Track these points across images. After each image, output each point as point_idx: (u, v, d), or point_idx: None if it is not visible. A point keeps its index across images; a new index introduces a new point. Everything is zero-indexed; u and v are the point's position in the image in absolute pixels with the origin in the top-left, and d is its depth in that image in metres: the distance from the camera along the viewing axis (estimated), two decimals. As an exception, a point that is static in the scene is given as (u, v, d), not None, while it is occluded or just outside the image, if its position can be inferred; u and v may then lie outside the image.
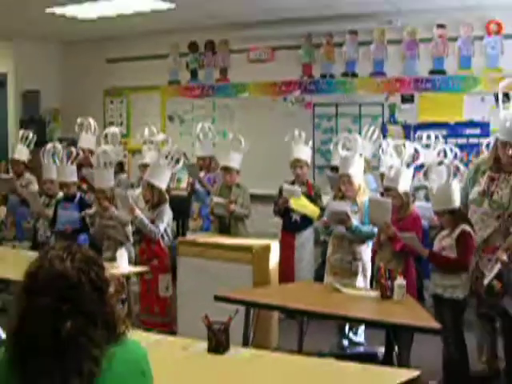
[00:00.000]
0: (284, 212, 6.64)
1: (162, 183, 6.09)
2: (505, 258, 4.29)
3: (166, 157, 6.13)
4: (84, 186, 7.12)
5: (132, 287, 5.68)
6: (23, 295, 1.81)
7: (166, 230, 6.09)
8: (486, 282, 4.42)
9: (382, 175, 6.00)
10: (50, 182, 6.86)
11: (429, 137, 6.26)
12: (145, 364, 1.94)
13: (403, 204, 5.20)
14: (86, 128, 7.64)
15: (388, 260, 5.14)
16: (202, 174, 7.21)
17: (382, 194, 5.77)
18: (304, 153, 6.71)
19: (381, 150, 6.09)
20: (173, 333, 5.67)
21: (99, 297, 1.85)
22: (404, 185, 5.20)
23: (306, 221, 6.64)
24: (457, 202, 4.84)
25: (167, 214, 6.09)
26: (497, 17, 7.42)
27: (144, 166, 6.92)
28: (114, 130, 7.61)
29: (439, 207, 4.88)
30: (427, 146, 6.05)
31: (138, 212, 5.91)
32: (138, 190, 6.65)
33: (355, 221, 5.40)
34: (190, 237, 6.74)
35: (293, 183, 6.72)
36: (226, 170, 6.70)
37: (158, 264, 6.05)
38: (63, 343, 1.74)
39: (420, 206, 5.57)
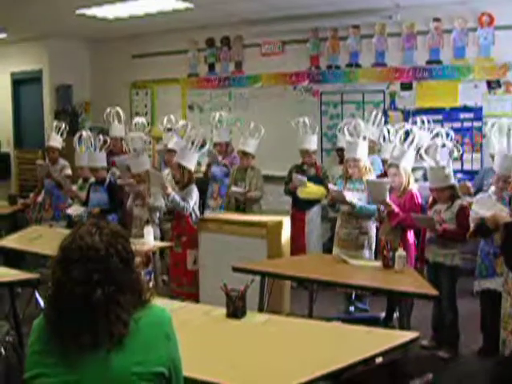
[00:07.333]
0: (294, 193, 6.65)
1: (191, 164, 6.07)
2: None
3: (193, 142, 6.12)
4: (114, 170, 7.17)
5: (157, 261, 5.72)
6: (58, 266, 1.83)
7: (193, 208, 6.08)
8: None
9: (384, 161, 5.98)
10: (80, 168, 6.92)
11: (423, 122, 6.22)
12: (169, 328, 1.94)
13: (404, 182, 5.18)
14: (113, 117, 7.70)
15: (387, 233, 5.15)
16: (219, 158, 7.22)
17: (383, 176, 5.73)
18: (310, 143, 6.71)
19: (382, 138, 6.05)
20: (197, 301, 5.69)
21: (126, 267, 1.86)
22: (406, 164, 5.17)
23: (315, 199, 6.66)
24: (453, 178, 4.89)
25: (195, 192, 6.05)
26: (489, 9, 7.33)
27: (169, 151, 6.96)
28: (141, 120, 7.65)
29: (440, 184, 4.85)
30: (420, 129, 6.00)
31: (170, 190, 5.90)
32: (165, 172, 6.67)
33: (360, 201, 5.42)
34: (210, 214, 6.73)
35: (302, 164, 6.73)
36: (244, 154, 6.72)
37: (186, 240, 6.06)
38: (95, 308, 1.76)
39: (420, 186, 5.52)
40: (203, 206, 7.25)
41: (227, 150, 7.29)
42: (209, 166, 7.31)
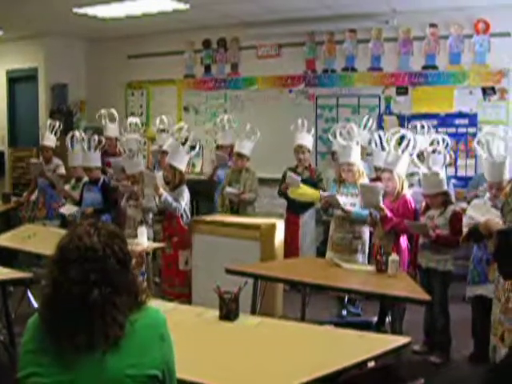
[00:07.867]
0: (287, 195, 6.65)
1: (182, 165, 6.08)
2: None
3: (183, 143, 6.13)
4: (110, 171, 7.17)
5: (149, 262, 5.71)
6: (55, 266, 1.82)
7: (184, 209, 6.08)
8: None
9: (376, 168, 5.97)
10: (73, 168, 6.90)
11: (422, 126, 6.24)
12: (164, 329, 1.95)
13: (398, 187, 5.19)
14: (106, 117, 7.69)
15: (380, 237, 5.16)
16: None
17: (373, 180, 5.74)
18: (306, 140, 6.72)
19: (374, 143, 6.04)
20: (189, 302, 5.69)
21: (122, 268, 1.86)
22: (400, 169, 5.18)
23: (308, 202, 6.65)
24: (446, 185, 4.92)
25: (186, 193, 6.06)
26: (485, 16, 7.36)
27: (163, 153, 6.95)
28: (136, 120, 7.64)
29: (433, 190, 4.87)
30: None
31: (162, 190, 5.91)
32: (160, 173, 6.68)
33: (353, 206, 5.44)
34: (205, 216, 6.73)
35: (296, 167, 6.73)
36: (239, 155, 6.73)
37: (178, 240, 6.05)
38: (91, 309, 1.76)
39: (414, 192, 5.53)
40: (197, 207, 7.25)
41: (231, 152, 7.29)
42: (215, 169, 7.32)
